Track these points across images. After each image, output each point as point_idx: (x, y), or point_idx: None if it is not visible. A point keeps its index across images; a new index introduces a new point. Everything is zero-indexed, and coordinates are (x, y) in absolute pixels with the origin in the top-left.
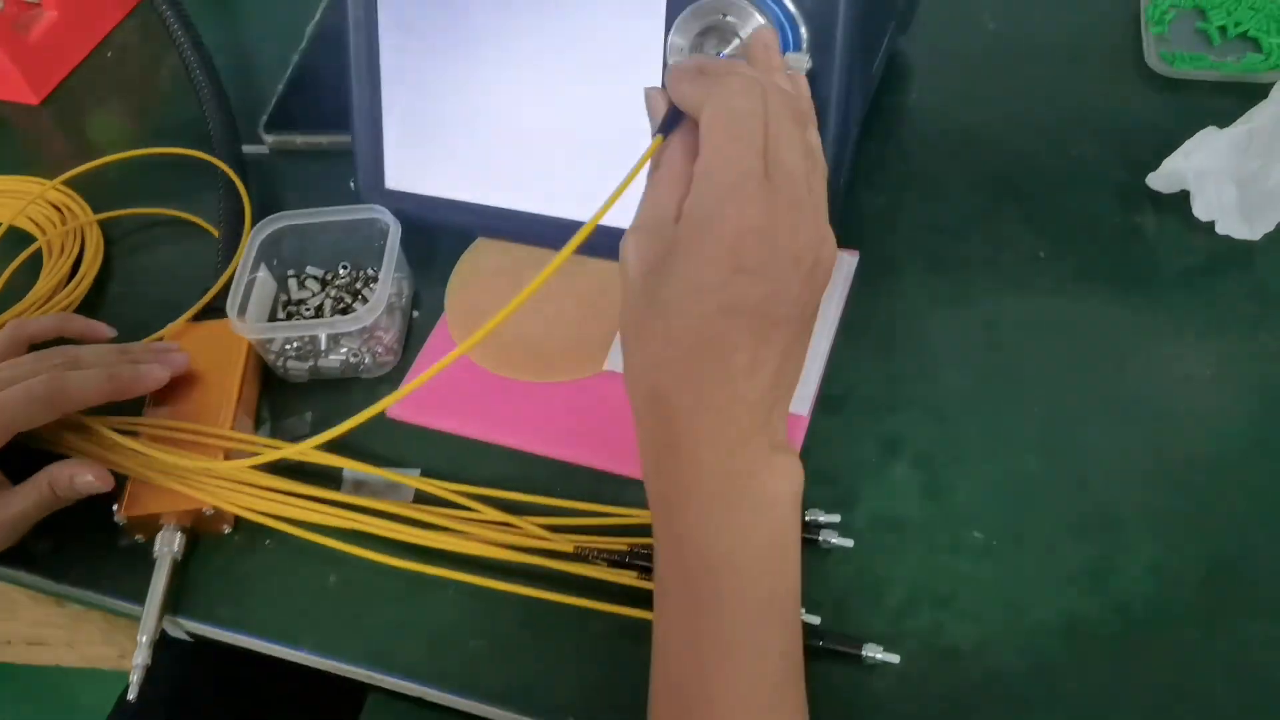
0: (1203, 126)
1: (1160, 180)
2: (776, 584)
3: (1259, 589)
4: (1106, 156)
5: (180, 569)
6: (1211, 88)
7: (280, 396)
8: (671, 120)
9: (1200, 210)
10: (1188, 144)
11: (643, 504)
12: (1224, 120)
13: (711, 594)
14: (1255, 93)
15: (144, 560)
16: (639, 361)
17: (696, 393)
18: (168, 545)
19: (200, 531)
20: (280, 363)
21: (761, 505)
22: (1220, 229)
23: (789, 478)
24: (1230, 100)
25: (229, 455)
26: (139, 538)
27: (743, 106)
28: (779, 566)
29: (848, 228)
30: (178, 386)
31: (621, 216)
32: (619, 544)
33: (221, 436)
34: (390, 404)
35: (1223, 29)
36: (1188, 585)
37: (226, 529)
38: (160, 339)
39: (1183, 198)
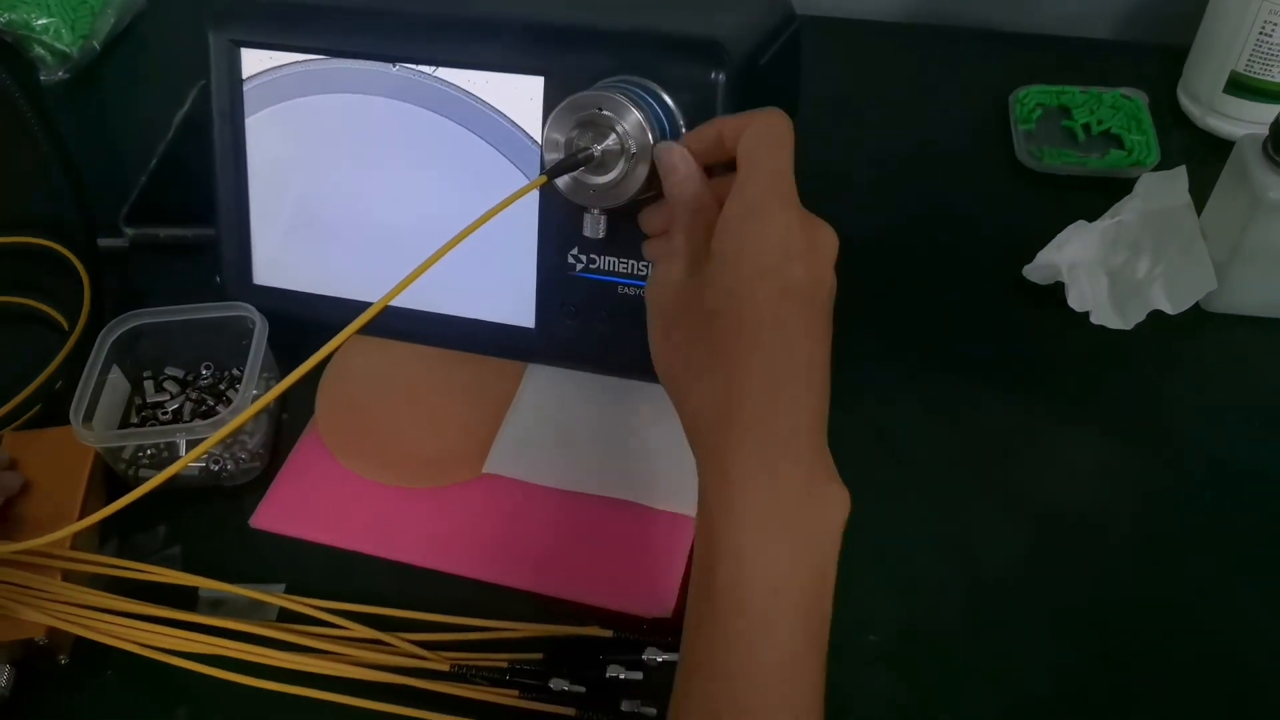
0: (1073, 219)
1: (1036, 272)
2: (819, 623)
3: (1155, 685)
4: (983, 250)
5: (7, 709)
6: (1079, 182)
7: (131, 508)
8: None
9: (1075, 301)
10: (1060, 236)
11: (526, 616)
12: (1092, 213)
13: (766, 629)
14: (1120, 187)
15: None
16: (678, 369)
17: (761, 386)
18: None
19: (32, 664)
20: (132, 472)
21: (816, 536)
22: (1094, 319)
23: (840, 508)
24: (1097, 194)
25: (68, 577)
26: None
27: (781, 126)
28: (822, 600)
29: None
30: (12, 500)
31: (496, 312)
32: (499, 660)
33: (60, 556)
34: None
35: (1086, 126)
36: (1085, 683)
37: (63, 660)
38: None
39: (1057, 289)
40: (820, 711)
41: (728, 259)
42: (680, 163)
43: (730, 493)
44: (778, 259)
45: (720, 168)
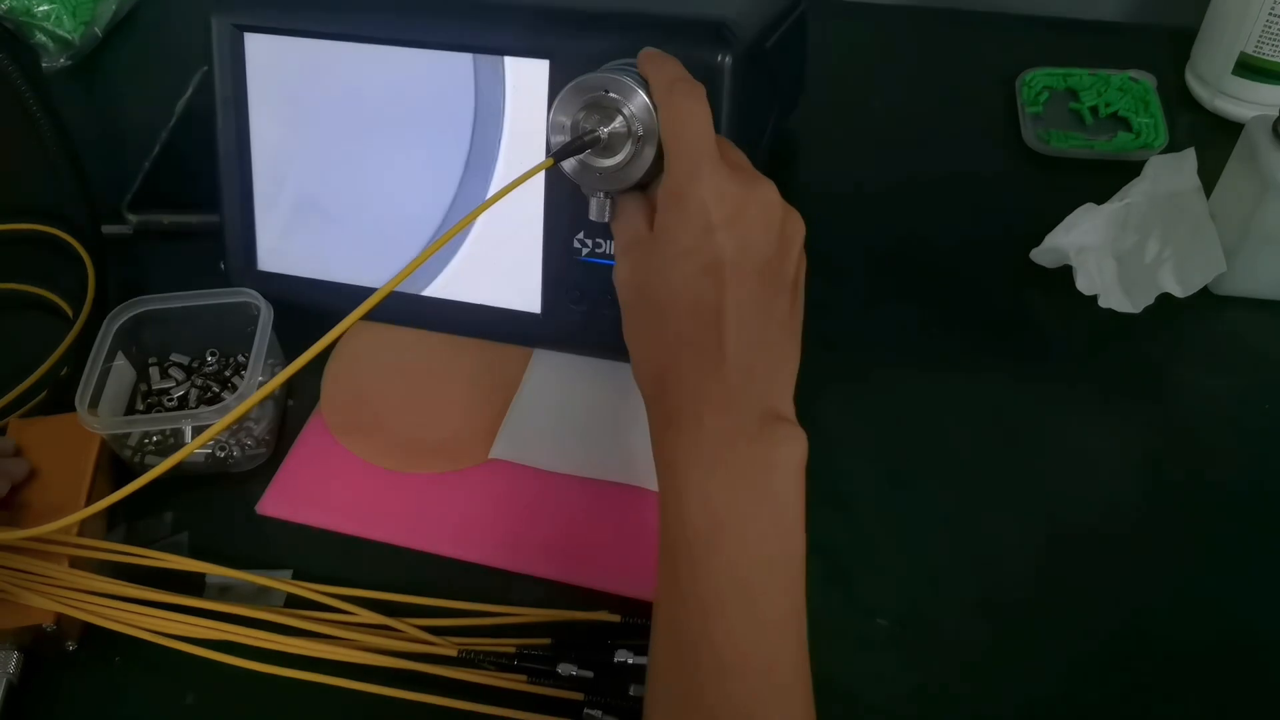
0: (1081, 203)
1: (1043, 256)
2: (775, 549)
3: (1164, 666)
4: (991, 233)
5: (15, 696)
6: (1087, 165)
7: (137, 494)
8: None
9: (1083, 285)
10: (1067, 220)
11: (534, 601)
12: (1100, 196)
13: (709, 553)
14: (1128, 170)
15: None
16: (642, 356)
17: (691, 359)
18: (2, 668)
19: (41, 651)
20: (137, 459)
21: (761, 470)
22: (1103, 303)
23: (790, 445)
24: (1105, 177)
25: (76, 563)
26: None
27: (691, 104)
28: (778, 532)
29: None
30: (18, 487)
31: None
32: (507, 645)
33: (67, 542)
34: None
35: (1094, 109)
36: (1094, 668)
37: (71, 646)
38: (4, 426)
39: (1066, 272)
40: (800, 647)
41: (655, 243)
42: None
43: (680, 434)
44: (696, 235)
45: None
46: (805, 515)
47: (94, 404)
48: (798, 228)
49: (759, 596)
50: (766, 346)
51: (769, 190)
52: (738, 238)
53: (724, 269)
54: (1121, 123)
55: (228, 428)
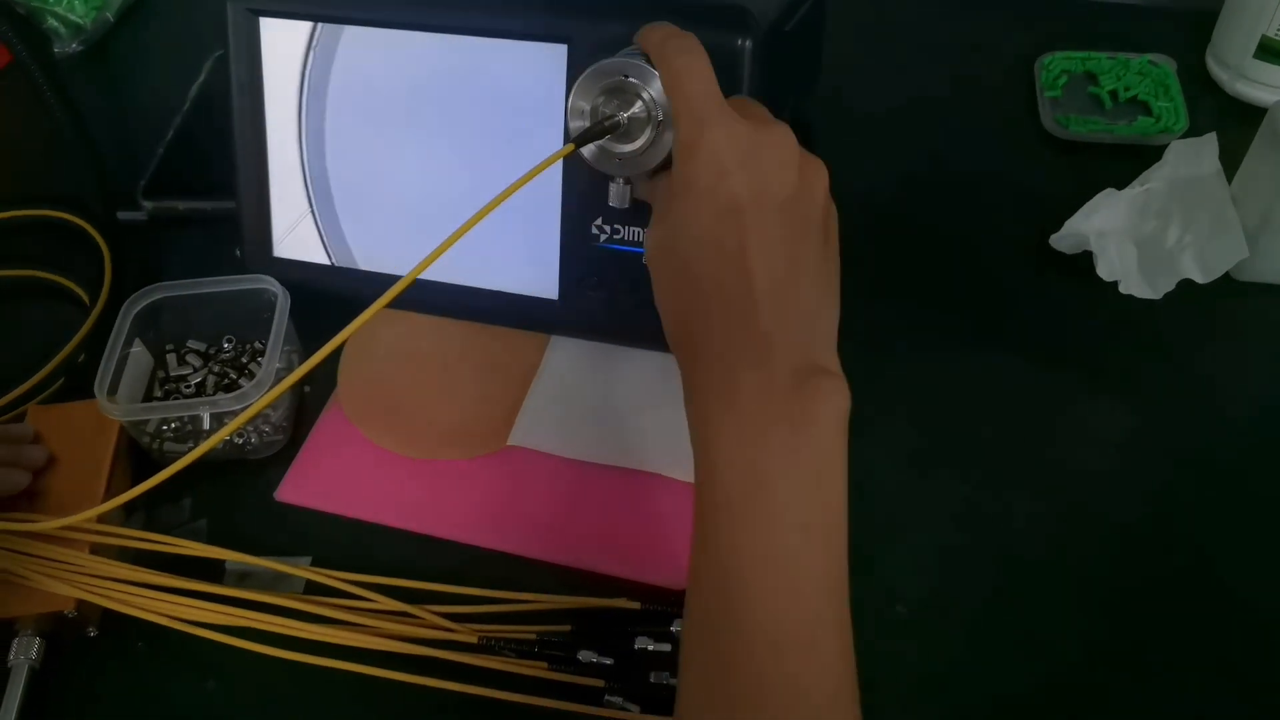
0: (1100, 188)
1: (1063, 241)
2: (814, 509)
3: (1184, 653)
4: (1010, 218)
5: (38, 680)
6: (1107, 150)
7: None
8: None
9: (1104, 271)
10: (1088, 205)
11: (552, 588)
12: (1120, 181)
13: (744, 516)
14: (1149, 154)
15: None
16: (672, 317)
17: (720, 310)
18: (24, 654)
19: (62, 637)
20: (156, 445)
21: (800, 426)
22: (1123, 289)
23: (832, 399)
24: (1125, 162)
25: (96, 550)
26: None
27: (689, 58)
28: (817, 490)
29: None
30: (38, 474)
31: (519, 284)
32: (527, 632)
33: (88, 530)
34: None
35: (1113, 93)
36: (1114, 656)
37: (92, 632)
38: (23, 413)
39: (1086, 258)
40: (840, 608)
41: (674, 199)
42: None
43: (712, 389)
44: (710, 179)
45: None
46: (847, 473)
47: (112, 391)
48: (819, 172)
49: (797, 561)
50: (798, 292)
51: (784, 132)
52: (754, 176)
53: (743, 210)
54: (1141, 107)
55: None
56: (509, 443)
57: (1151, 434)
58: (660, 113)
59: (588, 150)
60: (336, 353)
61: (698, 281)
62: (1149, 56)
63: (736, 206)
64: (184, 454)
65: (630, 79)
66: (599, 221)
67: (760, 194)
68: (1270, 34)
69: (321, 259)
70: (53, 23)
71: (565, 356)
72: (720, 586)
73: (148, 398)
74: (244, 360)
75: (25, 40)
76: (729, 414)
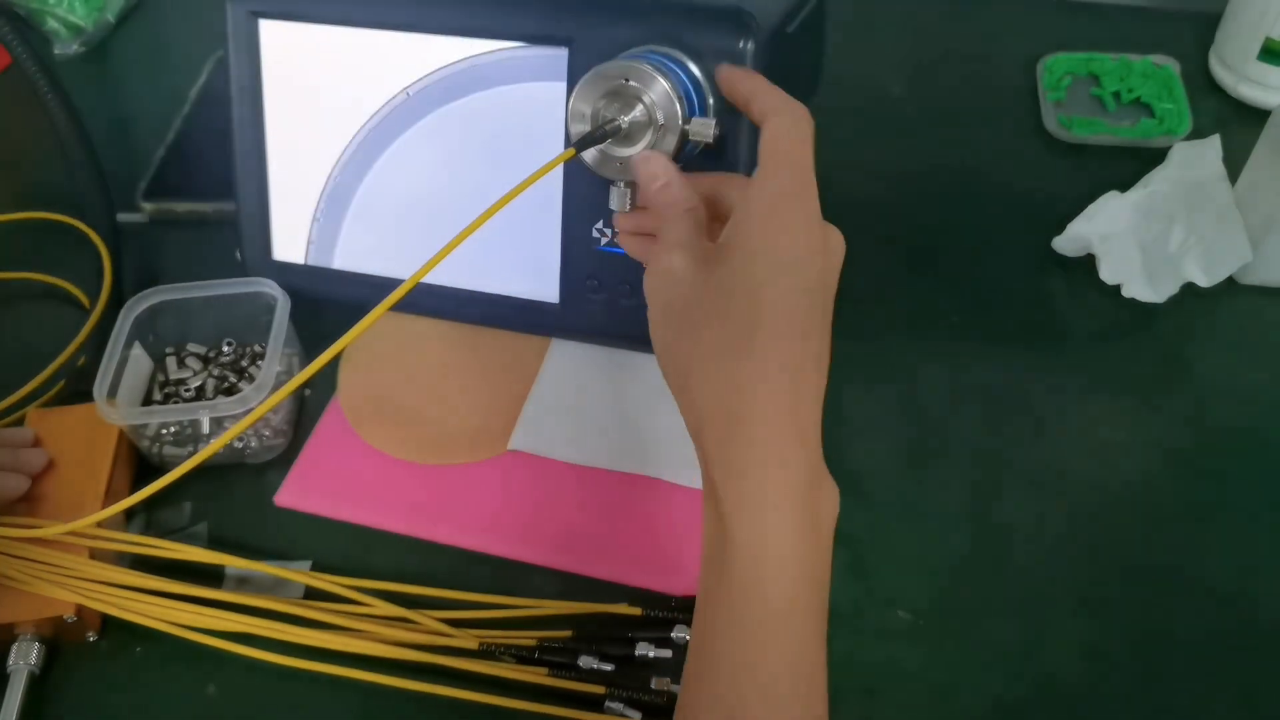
0: (1103, 190)
1: (1066, 244)
2: (822, 606)
3: (1185, 656)
4: (1013, 221)
5: (37, 685)
6: (1109, 152)
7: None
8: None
9: (1107, 274)
10: (1090, 208)
11: (552, 594)
12: (1123, 184)
13: (777, 610)
14: (1152, 156)
15: None
16: (700, 374)
17: (767, 393)
18: (23, 659)
19: (61, 641)
20: (155, 449)
21: (818, 525)
22: (1126, 292)
23: (834, 500)
24: (1128, 164)
25: (96, 554)
26: None
27: (804, 122)
28: (824, 587)
29: None
30: (37, 478)
31: (520, 287)
32: (527, 638)
33: (87, 535)
34: None
35: (1116, 95)
36: (1115, 660)
37: (92, 637)
38: (23, 416)
39: (1088, 261)
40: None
41: (753, 252)
42: (662, 171)
43: (745, 484)
44: (802, 254)
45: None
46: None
47: (112, 394)
48: (840, 250)
49: (812, 662)
50: (823, 384)
51: (838, 234)
52: (826, 269)
53: (814, 295)
54: (1144, 109)
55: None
56: (509, 447)
57: (1154, 437)
58: (661, 116)
59: (588, 154)
60: (336, 356)
61: (753, 338)
62: (1152, 58)
63: (814, 287)
64: (184, 458)
65: (631, 83)
66: (600, 224)
67: (827, 285)
68: (1274, 36)
69: (322, 262)
70: (53, 24)
71: (566, 360)
72: (744, 673)
73: (147, 401)
74: (244, 363)
75: (24, 42)
76: (758, 499)
